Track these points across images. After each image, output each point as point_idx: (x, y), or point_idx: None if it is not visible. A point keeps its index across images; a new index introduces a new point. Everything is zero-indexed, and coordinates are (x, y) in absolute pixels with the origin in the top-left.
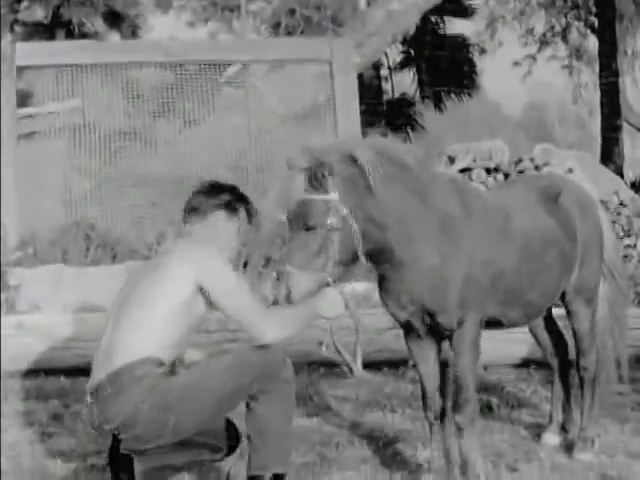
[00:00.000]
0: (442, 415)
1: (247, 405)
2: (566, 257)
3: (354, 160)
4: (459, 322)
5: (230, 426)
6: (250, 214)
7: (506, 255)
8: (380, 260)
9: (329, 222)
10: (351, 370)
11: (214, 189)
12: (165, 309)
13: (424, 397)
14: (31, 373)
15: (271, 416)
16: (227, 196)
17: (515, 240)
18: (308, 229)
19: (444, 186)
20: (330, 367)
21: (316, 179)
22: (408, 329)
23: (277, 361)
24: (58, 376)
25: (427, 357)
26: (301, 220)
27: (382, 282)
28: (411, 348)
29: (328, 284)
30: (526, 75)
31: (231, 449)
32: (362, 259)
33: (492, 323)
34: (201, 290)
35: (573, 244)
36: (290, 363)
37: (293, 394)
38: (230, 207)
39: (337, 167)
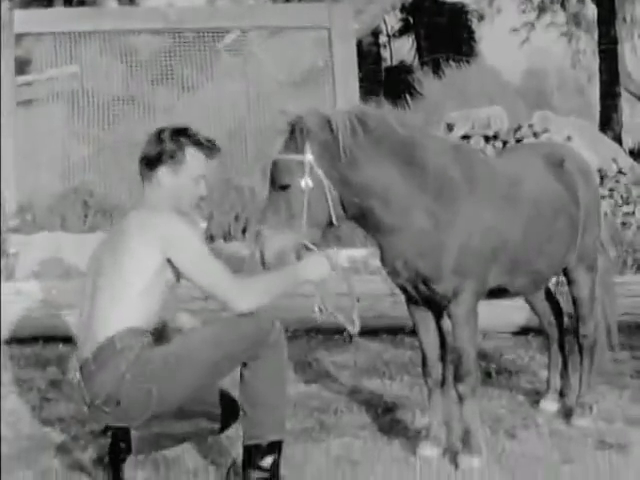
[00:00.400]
0: (442, 382)
1: (240, 373)
2: (573, 224)
3: (331, 126)
4: (455, 291)
5: (228, 399)
6: (205, 152)
7: (512, 223)
8: (364, 225)
9: (302, 182)
10: (350, 335)
11: (151, 143)
12: (138, 283)
13: (425, 364)
14: (30, 340)
15: (261, 383)
16: (166, 146)
17: (523, 207)
18: (282, 188)
19: (445, 153)
20: (329, 334)
21: (293, 140)
22: (409, 295)
23: (265, 326)
24: (57, 343)
25: (428, 324)
26: (275, 180)
27: (379, 248)
28: (413, 314)
29: (306, 246)
30: (524, 42)
31: (229, 422)
32: (335, 221)
33: (497, 292)
34: (168, 261)
35: (577, 210)
36: (279, 327)
37: (283, 358)
38: (172, 159)
39: (315, 131)
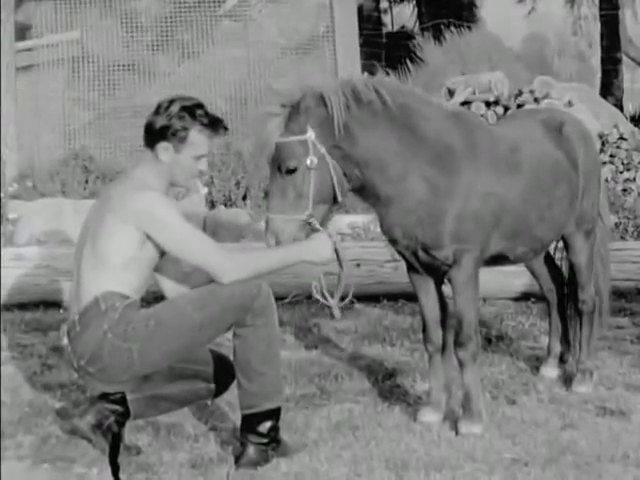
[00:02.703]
0: (443, 347)
1: (233, 344)
2: (573, 190)
3: (325, 103)
4: (455, 257)
5: (224, 361)
6: (210, 132)
7: (512, 189)
8: (364, 196)
9: (308, 162)
10: (351, 301)
11: (158, 113)
12: (117, 258)
13: (425, 330)
14: (31, 305)
15: (253, 352)
16: (171, 122)
17: (523, 173)
18: (289, 172)
19: (443, 119)
20: None
21: (294, 120)
22: (409, 262)
23: (249, 293)
24: (58, 309)
25: (428, 290)
26: (281, 164)
27: (379, 217)
28: (412, 280)
29: (310, 224)
30: (530, 12)
31: (227, 384)
32: (339, 197)
33: (497, 259)
34: (149, 237)
35: (577, 176)
36: (267, 292)
37: (274, 325)
38: (174, 136)
39: (312, 108)
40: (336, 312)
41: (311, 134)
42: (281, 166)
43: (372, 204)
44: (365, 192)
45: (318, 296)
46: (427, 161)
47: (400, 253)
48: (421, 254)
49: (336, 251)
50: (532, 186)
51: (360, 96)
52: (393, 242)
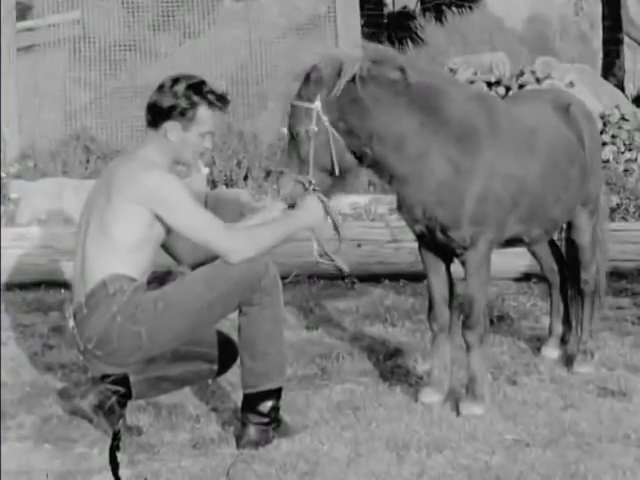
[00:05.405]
0: (449, 328)
1: (238, 322)
2: (583, 170)
3: (340, 72)
4: (472, 240)
5: (226, 341)
6: (217, 109)
7: (531, 171)
8: (380, 173)
9: (309, 130)
10: (341, 271)
11: (163, 93)
12: (130, 239)
13: (431, 308)
14: (32, 285)
15: (258, 330)
16: (178, 101)
17: (541, 155)
18: (294, 135)
19: (467, 101)
20: (331, 279)
21: (306, 88)
22: (422, 239)
23: (257, 271)
24: (59, 288)
25: (438, 269)
26: (289, 127)
27: (397, 196)
28: (424, 258)
29: (307, 189)
30: None
31: (228, 364)
32: (337, 171)
33: (513, 241)
34: (156, 217)
35: (585, 155)
36: (274, 271)
37: (279, 305)
38: (182, 115)
39: (327, 80)
40: (344, 267)
41: (318, 104)
42: (289, 129)
43: (388, 182)
44: (380, 169)
45: (320, 258)
46: (451, 141)
47: (415, 233)
48: (438, 235)
49: (327, 211)
50: (549, 167)
51: (385, 70)
52: (412, 222)
